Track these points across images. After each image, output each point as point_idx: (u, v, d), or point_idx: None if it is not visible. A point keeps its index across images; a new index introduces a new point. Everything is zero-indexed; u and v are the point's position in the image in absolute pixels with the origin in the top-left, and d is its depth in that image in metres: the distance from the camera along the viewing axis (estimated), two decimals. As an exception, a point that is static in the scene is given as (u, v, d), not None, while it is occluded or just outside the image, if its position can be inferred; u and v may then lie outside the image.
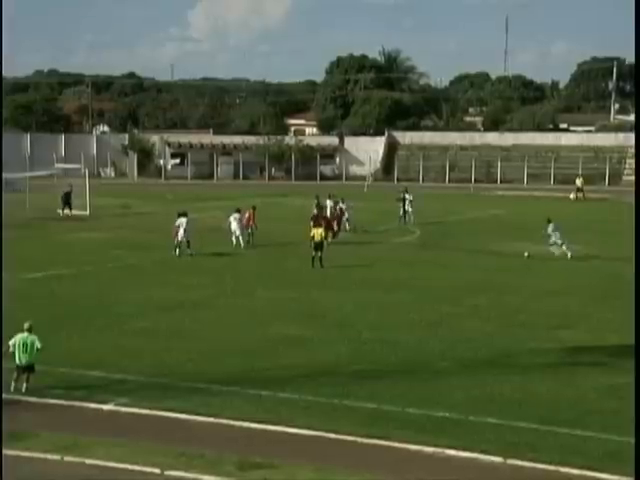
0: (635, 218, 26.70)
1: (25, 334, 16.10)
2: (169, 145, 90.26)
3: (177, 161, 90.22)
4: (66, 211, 48.37)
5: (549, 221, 34.92)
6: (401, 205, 46.54)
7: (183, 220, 34.16)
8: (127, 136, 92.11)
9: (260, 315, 23.37)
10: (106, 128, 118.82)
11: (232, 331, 21.49)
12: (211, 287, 27.54)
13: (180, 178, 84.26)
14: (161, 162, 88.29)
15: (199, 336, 20.87)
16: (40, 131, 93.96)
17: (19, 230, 41.57)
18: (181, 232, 33.80)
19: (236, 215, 37.26)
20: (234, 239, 36.49)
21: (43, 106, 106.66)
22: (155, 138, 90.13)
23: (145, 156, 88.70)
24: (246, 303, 25.10)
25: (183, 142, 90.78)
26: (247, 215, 37.92)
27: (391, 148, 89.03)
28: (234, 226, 36.72)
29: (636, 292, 21.69)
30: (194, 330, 21.49)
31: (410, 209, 46.28)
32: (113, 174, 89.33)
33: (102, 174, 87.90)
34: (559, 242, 34.27)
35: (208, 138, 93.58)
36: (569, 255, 33.84)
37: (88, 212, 48.71)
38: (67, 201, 48.67)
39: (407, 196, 46.63)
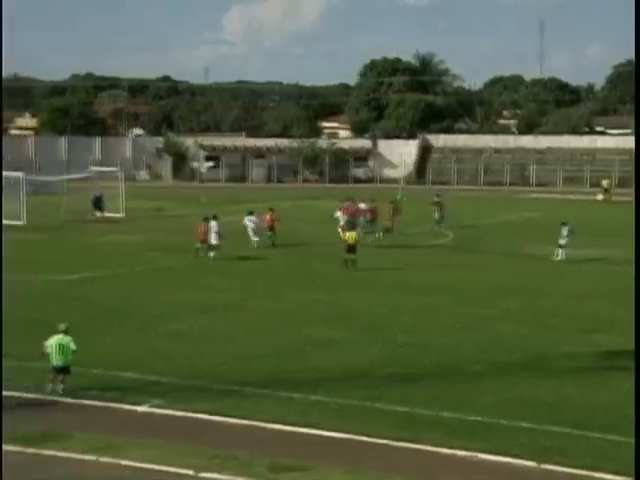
0: (635, 218, 26.80)
1: (60, 336, 16.27)
2: (203, 148, 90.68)
3: (211, 164, 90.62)
4: (98, 214, 48.77)
5: (564, 224, 34.91)
6: (436, 209, 46.42)
7: (214, 223, 34.31)
8: (162, 139, 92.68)
9: (291, 317, 23.40)
10: (141, 131, 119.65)
11: (263, 334, 21.54)
12: (242, 290, 27.63)
13: (214, 181, 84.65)
14: (195, 165, 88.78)
15: (231, 338, 20.95)
16: (76, 134, 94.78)
17: (54, 232, 42.04)
18: (213, 236, 33.94)
19: (251, 217, 37.66)
20: (254, 241, 36.98)
21: (79, 109, 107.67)
22: (189, 141, 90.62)
23: (179, 159, 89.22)
24: (277, 306, 25.16)
25: (217, 145, 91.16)
26: (268, 217, 38.34)
27: (424, 151, 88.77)
28: (250, 228, 37.21)
29: (636, 292, 21.66)
30: (226, 333, 21.58)
31: (436, 213, 46.16)
32: (148, 177, 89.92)
33: (137, 177, 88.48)
34: (562, 243, 34.36)
35: (242, 141, 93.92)
36: (558, 257, 34.04)
37: (123, 215, 49.11)
38: (98, 205, 49.06)
39: (437, 200, 46.59)
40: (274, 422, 14.79)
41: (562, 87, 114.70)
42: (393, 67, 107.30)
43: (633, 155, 70.08)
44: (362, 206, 42.29)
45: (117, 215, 48.84)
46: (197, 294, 26.61)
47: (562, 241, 34.51)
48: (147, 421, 15.01)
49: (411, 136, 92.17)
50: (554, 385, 17.16)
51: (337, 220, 39.92)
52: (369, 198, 42.78)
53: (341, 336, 21.29)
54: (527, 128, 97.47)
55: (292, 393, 16.37)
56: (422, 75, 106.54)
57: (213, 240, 33.92)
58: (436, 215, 46.05)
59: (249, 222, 37.66)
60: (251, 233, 37.37)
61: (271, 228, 38.21)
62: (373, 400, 15.95)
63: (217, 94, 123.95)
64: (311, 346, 20.24)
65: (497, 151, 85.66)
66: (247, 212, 38.43)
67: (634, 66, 68.86)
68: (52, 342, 16.22)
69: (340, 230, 39.14)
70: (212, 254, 33.72)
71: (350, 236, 32.32)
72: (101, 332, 21.16)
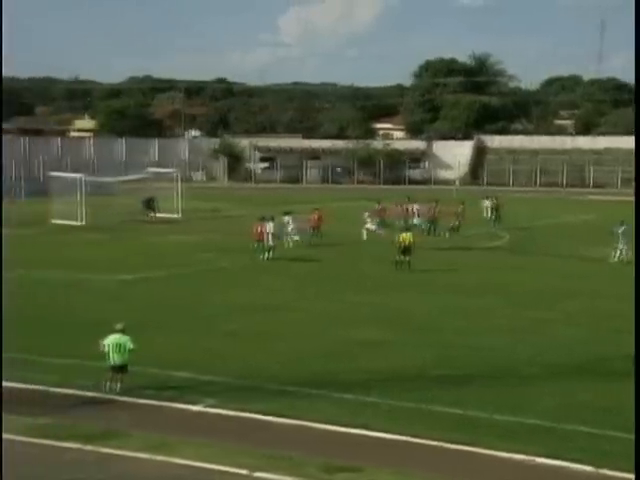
0: (635, 218, 27.28)
1: (118, 335, 16.46)
2: (258, 149, 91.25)
3: (266, 165, 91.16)
4: (150, 215, 49.05)
5: (621, 224, 34.49)
6: (489, 208, 46.16)
7: (270, 225, 34.45)
8: (217, 140, 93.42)
9: (342, 319, 23.40)
10: (197, 132, 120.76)
11: (316, 334, 21.58)
12: (295, 290, 27.73)
13: (269, 182, 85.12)
14: (250, 166, 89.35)
15: (284, 339, 21.03)
16: (133, 136, 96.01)
17: (111, 233, 42.63)
18: (269, 237, 34.07)
19: (287, 218, 37.90)
20: (289, 240, 37.24)
21: (137, 111, 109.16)
22: (245, 142, 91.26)
23: (235, 160, 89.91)
24: (329, 307, 25.17)
25: (272, 146, 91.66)
26: (314, 217, 38.64)
27: (479, 152, 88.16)
28: (289, 228, 37.58)
29: (636, 292, 21.68)
30: (279, 333, 21.66)
31: (490, 214, 45.90)
32: (203, 178, 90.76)
33: (193, 178, 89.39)
34: (619, 245, 34.00)
35: (297, 142, 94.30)
36: (615, 259, 33.70)
37: (179, 215, 49.61)
38: (149, 206, 49.45)
39: (487, 202, 46.26)
40: (327, 423, 14.79)
41: (621, 87, 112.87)
42: (448, 68, 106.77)
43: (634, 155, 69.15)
44: (416, 207, 42.22)
45: (173, 216, 49.34)
46: (251, 294, 26.76)
47: (619, 243, 34.03)
48: (201, 420, 15.12)
49: (466, 137, 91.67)
50: (614, 389, 16.88)
51: (365, 222, 40.19)
52: (430, 199, 42.55)
53: (393, 338, 21.22)
54: (584, 129, 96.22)
55: (344, 394, 16.36)
56: (477, 76, 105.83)
57: (270, 241, 34.05)
58: (488, 214, 45.79)
59: (287, 224, 37.86)
60: (289, 232, 37.52)
61: (315, 228, 38.60)
62: (426, 402, 15.87)
63: (273, 95, 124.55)
64: (363, 347, 20.21)
65: (553, 152, 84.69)
66: (284, 212, 38.62)
67: (634, 66, 70.01)
68: (109, 341, 16.42)
69: (364, 232, 39.49)
70: (267, 255, 33.87)
71: (404, 237, 32.20)
72: (157, 332, 21.40)
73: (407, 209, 43.52)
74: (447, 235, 39.85)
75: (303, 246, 36.93)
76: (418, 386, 16.97)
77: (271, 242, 34.04)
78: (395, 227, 38.53)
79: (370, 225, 41.04)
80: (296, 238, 37.47)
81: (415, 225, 39.84)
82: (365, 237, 40.50)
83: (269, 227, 34.32)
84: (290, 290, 27.74)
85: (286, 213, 38.61)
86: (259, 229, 34.42)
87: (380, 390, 16.59)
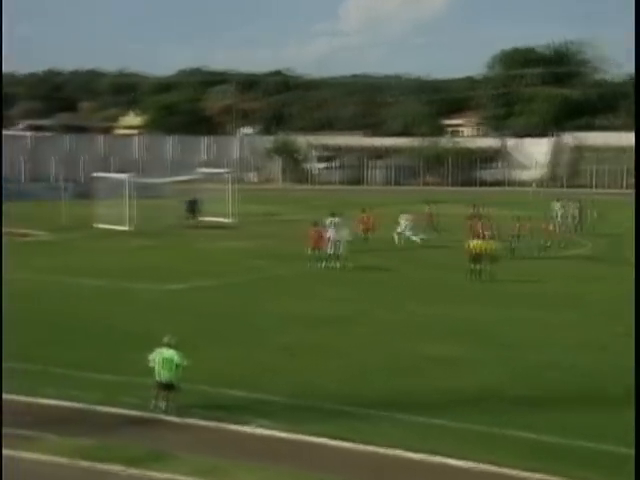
0: (635, 218, 27.99)
1: (165, 349, 16.56)
2: (317, 148, 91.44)
3: (325, 165, 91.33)
4: (193, 218, 49.11)
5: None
6: (572, 216, 45.61)
7: (333, 230, 34.43)
8: (272, 138, 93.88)
9: (410, 332, 23.31)
10: (250, 130, 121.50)
11: (379, 349, 21.51)
12: (357, 301, 27.69)
13: (328, 183, 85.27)
14: (308, 166, 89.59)
15: (344, 354, 20.99)
16: (183, 133, 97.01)
17: (159, 238, 43.05)
18: (328, 243, 34.04)
19: (334, 219, 37.87)
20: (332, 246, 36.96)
21: (186, 107, 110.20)
22: (302, 140, 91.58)
23: (291, 160, 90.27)
24: (395, 318, 25.11)
25: (332, 144, 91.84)
26: (363, 219, 38.76)
27: (559, 151, 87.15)
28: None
29: (636, 292, 21.95)
30: (339, 347, 21.63)
31: (560, 219, 45.18)
32: (257, 179, 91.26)
33: (246, 179, 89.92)
34: (332, 236, 34.26)
35: (358, 140, 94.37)
36: None
37: (231, 220, 49.92)
38: (192, 209, 49.65)
39: (557, 206, 45.53)
40: (390, 447, 14.71)
41: None
42: (525, 58, 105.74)
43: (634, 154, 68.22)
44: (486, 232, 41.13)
45: (225, 220, 49.68)
46: (309, 305, 26.79)
47: None
48: (254, 442, 15.15)
49: (544, 134, 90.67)
50: None
51: (400, 225, 40.43)
52: (516, 217, 41.08)
53: (464, 353, 21.06)
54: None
55: (411, 415, 16.26)
56: (558, 66, 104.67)
57: (331, 248, 33.97)
58: (560, 218, 45.18)
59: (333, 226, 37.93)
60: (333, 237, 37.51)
61: (365, 232, 38.68)
62: (500, 425, 15.69)
63: (332, 89, 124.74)
64: (432, 364, 20.08)
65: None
66: (330, 214, 38.81)
67: (634, 65, 69.08)
68: (156, 356, 16.52)
69: (396, 236, 39.43)
70: (329, 263, 33.82)
71: (475, 245, 32.00)
72: (207, 345, 21.52)
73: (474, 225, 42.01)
74: (540, 253, 39.10)
75: (353, 252, 36.75)
76: (492, 408, 16.80)
77: (332, 249, 33.95)
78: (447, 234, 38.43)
79: (402, 229, 40.96)
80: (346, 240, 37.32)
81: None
82: (397, 241, 40.38)
83: (330, 233, 34.27)
84: (351, 300, 27.72)
85: (332, 214, 38.79)
86: (316, 234, 34.49)
87: (450, 411, 16.46)
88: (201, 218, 49.80)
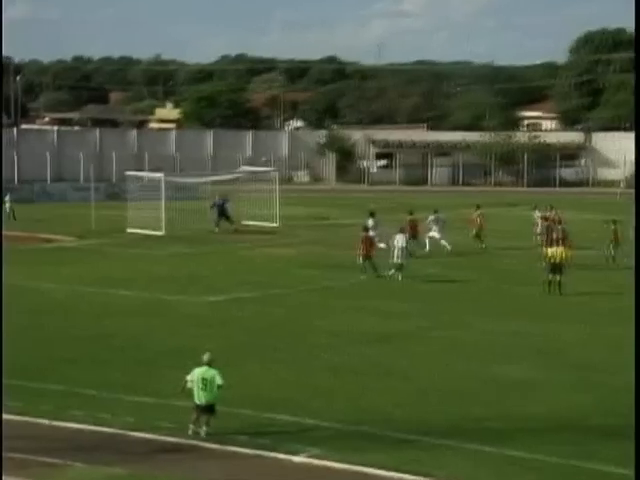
0: (635, 218, 29.44)
1: (204, 368, 16.64)
2: (374, 143, 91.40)
3: (383, 163, 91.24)
4: (224, 222, 48.27)
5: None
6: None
7: (400, 237, 34.36)
8: (324, 133, 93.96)
9: (480, 351, 23.20)
10: (300, 123, 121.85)
11: (445, 370, 21.44)
12: (419, 316, 27.63)
13: (386, 183, 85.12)
14: (364, 164, 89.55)
15: (405, 375, 20.95)
16: (225, 127, 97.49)
17: (197, 244, 43.29)
18: (396, 252, 33.90)
19: (371, 222, 38.44)
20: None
21: (229, 98, 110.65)
22: (358, 135, 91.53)
23: (345, 157, 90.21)
24: (462, 336, 25.02)
25: (391, 140, 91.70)
26: (409, 224, 39.15)
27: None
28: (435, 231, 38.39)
29: (636, 292, 22.97)
30: (399, 368, 21.60)
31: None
32: (307, 178, 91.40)
33: (294, 178, 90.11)
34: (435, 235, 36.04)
35: (421, 135, 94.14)
36: None
37: (277, 224, 50.07)
38: (223, 213, 48.63)
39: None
40: (457, 481, 14.68)
41: None
42: (614, 40, 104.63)
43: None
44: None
45: (270, 224, 49.83)
46: (364, 320, 26.79)
47: None
48: (303, 473, 15.17)
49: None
50: None
51: (429, 229, 41.09)
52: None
53: (542, 376, 20.93)
54: None
55: (481, 445, 16.18)
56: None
57: (398, 257, 33.81)
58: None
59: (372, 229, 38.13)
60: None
61: (413, 237, 38.83)
62: (583, 458, 15.56)
63: (392, 78, 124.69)
64: (505, 387, 19.98)
65: None
66: (369, 213, 39.40)
67: (634, 65, 69.09)
68: (195, 376, 16.62)
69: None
70: (393, 272, 33.69)
71: (554, 252, 31.75)
72: (251, 364, 21.61)
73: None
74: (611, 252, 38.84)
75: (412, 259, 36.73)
76: (574, 438, 16.67)
77: (400, 259, 33.78)
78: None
79: (434, 233, 40.87)
80: (381, 245, 37.41)
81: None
82: (428, 248, 40.39)
83: (399, 239, 34.10)
84: (410, 315, 27.67)
85: (371, 214, 39.44)
86: (367, 240, 34.52)
87: (526, 441, 16.36)
88: (245, 222, 49.97)
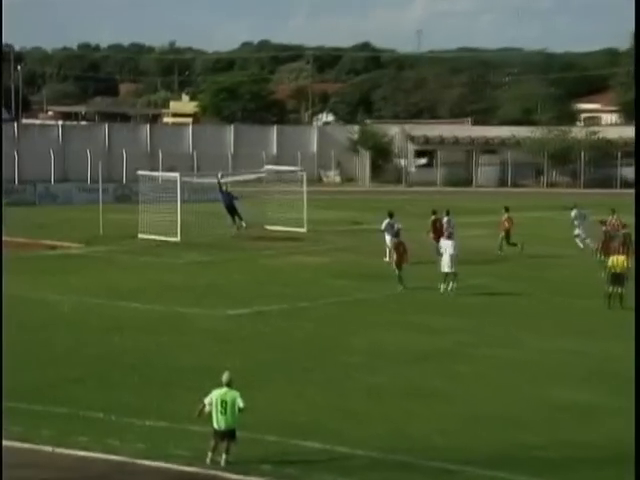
0: (635, 217, 31.20)
1: (224, 389, 16.64)
2: (413, 140, 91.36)
3: (423, 161, 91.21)
4: (232, 229, 47.94)
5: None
6: None
7: (450, 242, 34.27)
8: (358, 128, 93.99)
9: (533, 372, 23.11)
10: (330, 117, 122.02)
11: (495, 393, 21.37)
12: (465, 332, 27.54)
13: (426, 184, 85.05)
14: (402, 163, 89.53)
15: (449, 399, 20.90)
16: (246, 122, 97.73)
17: (216, 252, 43.34)
18: (447, 261, 33.74)
19: (391, 221, 39.33)
20: (387, 250, 38.57)
21: (251, 89, 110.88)
22: (394, 130, 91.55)
23: (381, 155, 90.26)
24: (513, 355, 24.95)
25: (432, 136, 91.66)
26: (438, 225, 40.36)
27: None
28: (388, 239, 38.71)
29: (636, 292, 25.15)
30: (442, 390, 21.54)
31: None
32: (338, 179, 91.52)
33: (324, 178, 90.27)
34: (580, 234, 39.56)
35: (465, 130, 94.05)
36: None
37: (305, 229, 50.08)
38: (232, 209, 48.53)
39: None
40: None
41: None
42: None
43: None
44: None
45: (298, 230, 49.85)
46: (402, 337, 26.76)
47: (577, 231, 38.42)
48: (335, 507, 15.15)
49: None
50: None
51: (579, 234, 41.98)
52: None
53: (601, 400, 20.86)
54: None
55: (533, 477, 16.11)
56: None
57: (447, 267, 33.72)
58: None
59: (390, 229, 38.95)
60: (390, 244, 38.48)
61: (436, 240, 39.31)
62: (650, 493, 15.44)
63: (433, 67, 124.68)
64: (561, 413, 19.89)
65: None
66: (388, 213, 40.23)
67: (634, 64, 69.64)
68: (213, 398, 16.62)
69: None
70: (444, 286, 33.57)
71: (616, 261, 31.58)
72: (276, 385, 21.61)
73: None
74: None
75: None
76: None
77: (452, 267, 33.65)
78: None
79: (579, 231, 41.10)
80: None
81: None
82: (583, 246, 41.08)
83: (448, 246, 34.02)
84: (458, 331, 27.58)
85: (390, 215, 40.15)
86: (400, 247, 34.53)
87: (587, 474, 16.31)
88: (269, 227, 50.01)
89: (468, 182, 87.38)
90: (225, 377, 16.76)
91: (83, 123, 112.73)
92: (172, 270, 38.63)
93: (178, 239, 45.84)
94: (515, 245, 42.53)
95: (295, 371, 23.05)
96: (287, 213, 50.56)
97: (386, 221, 39.72)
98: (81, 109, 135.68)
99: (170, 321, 28.59)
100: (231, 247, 45.22)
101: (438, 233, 39.64)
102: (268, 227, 50.32)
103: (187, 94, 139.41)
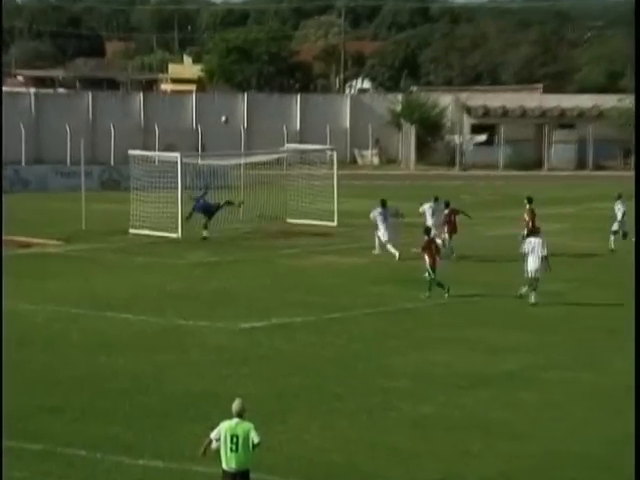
0: (635, 216, 36.39)
1: (235, 421, 16.62)
2: (469, 112, 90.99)
3: (482, 138, 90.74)
4: (204, 232, 46.22)
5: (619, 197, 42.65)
6: None
7: (536, 240, 34.25)
8: (401, 97, 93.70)
9: (618, 402, 22.99)
10: (367, 84, 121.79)
11: (570, 427, 21.35)
12: (534, 351, 27.48)
13: (486, 167, 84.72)
14: (456, 140, 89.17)
15: (518, 432, 20.90)
16: (263, 89, 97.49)
17: (229, 251, 43.37)
18: (533, 263, 33.71)
19: (380, 210, 41.45)
20: (377, 242, 41.08)
21: (269, 49, 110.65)
22: (447, 100, 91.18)
23: (429, 130, 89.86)
24: (594, 381, 24.97)
25: (493, 106, 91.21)
26: (450, 215, 41.51)
27: None
28: (380, 227, 41.18)
29: (636, 291, 28.39)
30: (505, 423, 21.54)
31: None
32: (376, 160, 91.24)
33: (359, 160, 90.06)
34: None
35: (535, 99, 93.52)
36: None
37: (335, 223, 50.00)
38: (207, 209, 46.54)
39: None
40: None
41: None
42: None
43: None
44: None
45: (327, 224, 49.76)
46: (456, 355, 26.79)
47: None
48: None
49: None
50: None
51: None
52: None
53: None
54: None
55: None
56: None
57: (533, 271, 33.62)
58: None
59: (379, 216, 41.29)
60: (381, 233, 41.02)
61: (451, 232, 41.15)
62: None
63: (495, 20, 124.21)
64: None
65: None
66: (380, 201, 42.02)
67: (634, 63, 69.81)
68: (222, 432, 16.66)
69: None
70: (525, 291, 33.58)
71: None
72: (301, 416, 21.64)
73: None
74: None
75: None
76: None
77: (537, 272, 33.56)
78: None
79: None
80: (384, 236, 40.55)
81: None
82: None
83: (535, 244, 33.93)
84: (522, 349, 27.58)
85: (383, 204, 42.06)
86: (429, 246, 34.85)
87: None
88: (291, 220, 50.00)
89: (537, 164, 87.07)
90: (236, 406, 16.76)
91: (61, 91, 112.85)
92: (172, 273, 38.72)
93: (179, 235, 45.88)
94: None
95: (324, 399, 23.09)
96: (313, 203, 50.52)
97: (377, 210, 41.66)
98: (58, 73, 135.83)
99: (169, 336, 28.68)
100: (245, 245, 45.24)
101: (449, 225, 40.54)
102: (290, 220, 50.27)
103: (189, 55, 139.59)
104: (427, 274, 34.40)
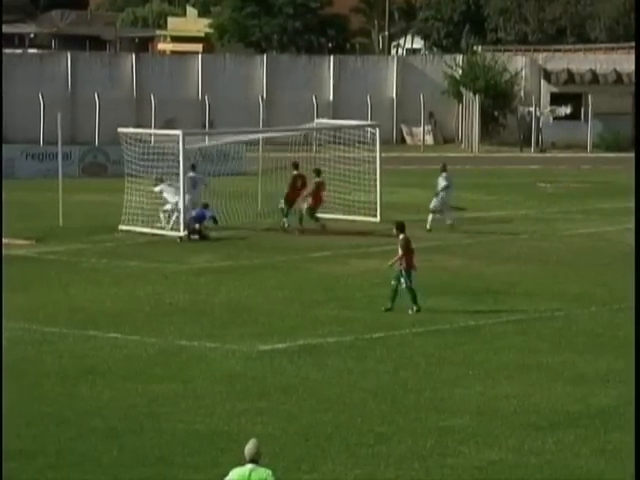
0: (635, 215, 39.77)
1: (248, 468, 16.58)
2: (548, 78, 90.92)
3: (565, 111, 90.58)
4: (193, 236, 46.44)
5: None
6: None
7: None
8: (460, 59, 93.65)
9: None
10: (419, 43, 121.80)
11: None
12: (625, 381, 27.42)
13: (570, 148, 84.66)
14: (531, 113, 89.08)
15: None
16: (287, 50, 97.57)
17: (243, 252, 43.45)
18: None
19: (191, 174, 44.48)
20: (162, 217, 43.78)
21: (295, 1, 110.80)
22: (519, 63, 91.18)
23: (498, 101, 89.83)
24: None
25: (579, 71, 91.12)
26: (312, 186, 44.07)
27: None
28: (169, 198, 43.89)
29: (636, 291, 31.39)
30: (601, 472, 21.49)
31: None
32: (430, 138, 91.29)
33: (408, 139, 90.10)
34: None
35: (632, 62, 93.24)
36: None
37: (378, 219, 50.01)
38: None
39: None
40: None
41: None
42: None
43: None
44: None
45: (368, 219, 49.79)
46: (532, 387, 26.78)
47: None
48: None
49: None
50: None
51: None
52: None
53: None
54: None
55: None
56: None
57: None
58: None
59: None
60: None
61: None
62: None
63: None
64: None
65: None
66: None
67: (634, 63, 70.30)
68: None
69: None
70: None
71: None
72: (334, 462, 21.58)
73: None
74: None
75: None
76: None
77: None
78: None
79: None
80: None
81: None
82: None
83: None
84: (612, 379, 27.50)
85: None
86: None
87: None
88: (323, 215, 50.05)
89: (635, 144, 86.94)
90: (250, 448, 16.74)
91: (32, 51, 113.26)
92: (172, 282, 38.82)
93: (181, 233, 45.95)
94: None
95: (363, 440, 23.07)
96: (350, 193, 50.61)
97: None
98: (29, 29, 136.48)
99: (168, 362, 28.72)
100: (264, 246, 45.33)
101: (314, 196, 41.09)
102: (321, 215, 50.29)
103: (194, 7, 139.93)
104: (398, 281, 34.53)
